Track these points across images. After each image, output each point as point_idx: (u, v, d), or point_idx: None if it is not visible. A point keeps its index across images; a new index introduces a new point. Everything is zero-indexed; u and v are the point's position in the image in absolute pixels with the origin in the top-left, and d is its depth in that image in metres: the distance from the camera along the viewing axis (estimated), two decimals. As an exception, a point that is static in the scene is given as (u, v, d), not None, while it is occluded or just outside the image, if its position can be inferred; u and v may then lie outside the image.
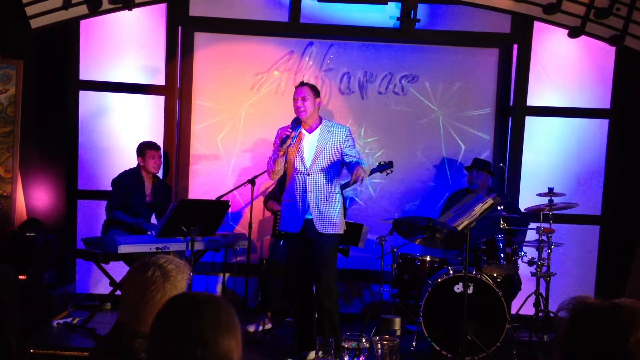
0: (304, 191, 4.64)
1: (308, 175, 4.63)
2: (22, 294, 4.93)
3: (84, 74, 6.11)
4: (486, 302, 4.88)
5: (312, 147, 4.68)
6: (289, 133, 4.62)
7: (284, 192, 4.85)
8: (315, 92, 4.76)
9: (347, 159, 4.64)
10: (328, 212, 4.61)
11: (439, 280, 4.95)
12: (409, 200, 6.35)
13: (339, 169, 4.72)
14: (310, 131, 4.74)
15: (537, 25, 6.05)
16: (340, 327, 4.61)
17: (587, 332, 1.53)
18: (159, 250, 5.03)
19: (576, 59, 6.17)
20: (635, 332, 1.50)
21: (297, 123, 4.73)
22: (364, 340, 2.64)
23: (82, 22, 5.97)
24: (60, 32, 5.90)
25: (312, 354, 4.58)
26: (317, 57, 6.30)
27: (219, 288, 6.25)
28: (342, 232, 4.70)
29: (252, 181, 5.56)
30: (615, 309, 1.55)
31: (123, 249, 4.98)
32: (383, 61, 6.30)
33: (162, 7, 6.08)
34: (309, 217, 4.63)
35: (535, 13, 5.81)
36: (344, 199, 5.25)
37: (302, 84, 4.81)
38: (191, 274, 2.29)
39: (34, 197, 6.08)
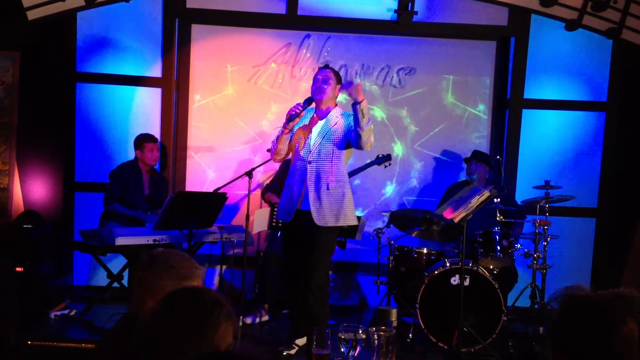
0: (303, 180, 4.44)
1: (309, 163, 4.42)
2: (19, 286, 4.92)
3: (81, 66, 6.10)
4: (482, 294, 4.90)
5: (317, 132, 4.47)
6: (298, 111, 4.39)
7: (286, 179, 4.65)
8: (338, 78, 4.54)
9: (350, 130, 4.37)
10: (329, 204, 4.38)
11: (436, 272, 4.96)
12: (406, 192, 6.36)
13: (345, 156, 4.49)
14: (322, 117, 4.51)
15: (535, 18, 6.05)
16: (334, 321, 4.55)
17: (575, 325, 1.55)
18: (156, 243, 5.04)
19: (573, 52, 6.17)
20: (621, 328, 1.51)
21: (309, 103, 4.49)
22: (360, 332, 2.65)
23: (79, 14, 5.95)
24: (57, 24, 5.89)
25: (301, 340, 4.60)
26: (315, 50, 6.29)
27: (216, 280, 6.26)
28: (346, 225, 4.48)
29: (249, 173, 5.55)
30: (603, 303, 1.55)
31: (120, 240, 4.98)
32: (380, 54, 6.30)
33: (159, -2, 6.08)
34: (306, 209, 4.41)
35: (533, 6, 5.82)
36: None
37: (326, 66, 4.61)
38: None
39: (31, 189, 6.07)
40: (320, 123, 4.51)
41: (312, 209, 4.39)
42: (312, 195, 4.40)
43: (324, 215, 4.39)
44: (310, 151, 4.46)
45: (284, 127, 4.45)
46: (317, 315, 4.41)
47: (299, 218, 4.47)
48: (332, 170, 4.43)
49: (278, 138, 4.51)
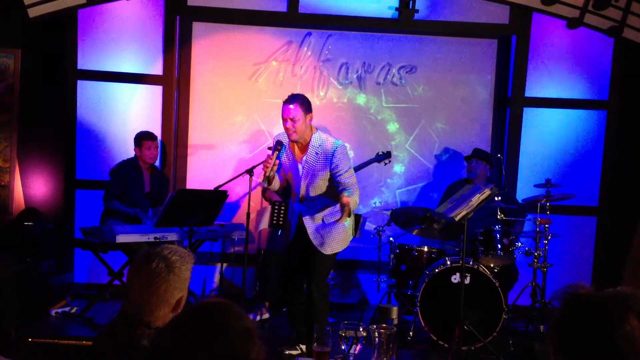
0: (298, 215, 4.40)
1: (302, 201, 4.37)
2: (20, 283, 4.92)
3: (82, 64, 6.09)
4: (483, 293, 4.90)
5: (302, 169, 4.35)
6: (270, 165, 4.19)
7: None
8: (306, 107, 4.27)
9: (336, 184, 4.30)
10: (330, 234, 4.34)
11: (437, 270, 4.96)
12: (407, 190, 6.36)
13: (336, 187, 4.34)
14: (302, 150, 4.37)
15: (536, 16, 6.04)
16: (335, 317, 4.53)
17: (576, 322, 1.54)
18: (157, 240, 5.04)
19: (574, 51, 6.17)
20: (623, 325, 1.50)
21: (279, 149, 4.30)
22: (361, 329, 2.65)
23: (80, 12, 5.95)
24: (58, 22, 5.89)
25: (305, 347, 4.56)
26: (316, 48, 6.29)
27: (217, 278, 6.27)
28: (345, 247, 4.45)
29: (250, 171, 5.54)
30: (605, 300, 1.54)
31: (121, 238, 4.98)
32: (381, 52, 6.30)
33: (161, -4, 6.08)
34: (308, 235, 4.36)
35: (534, 4, 5.81)
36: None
37: (292, 99, 4.27)
38: None
39: (32, 187, 6.08)
40: (304, 157, 4.36)
41: (315, 242, 4.35)
42: (310, 230, 4.37)
43: (328, 244, 4.36)
44: (299, 189, 4.38)
45: (265, 183, 4.32)
46: (318, 306, 4.38)
47: (305, 240, 4.40)
48: (326, 203, 4.37)
49: (263, 187, 4.45)
